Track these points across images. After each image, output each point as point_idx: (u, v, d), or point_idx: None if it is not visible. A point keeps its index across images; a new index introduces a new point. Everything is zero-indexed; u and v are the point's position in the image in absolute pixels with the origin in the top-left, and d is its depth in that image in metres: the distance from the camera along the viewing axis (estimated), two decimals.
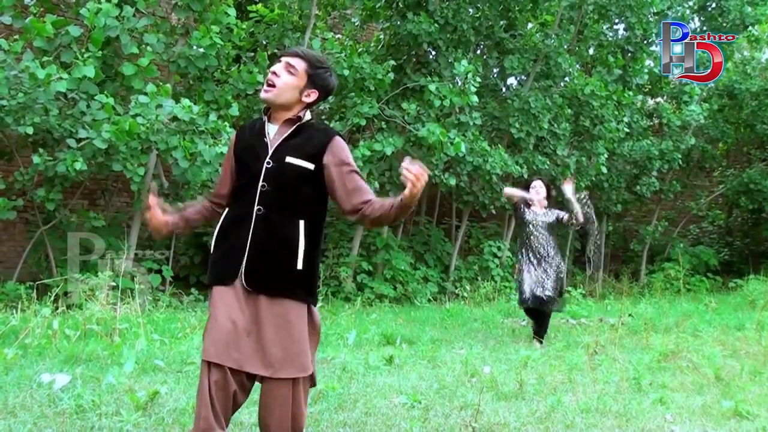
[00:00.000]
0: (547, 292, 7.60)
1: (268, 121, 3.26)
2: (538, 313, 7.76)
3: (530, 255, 7.79)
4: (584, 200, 8.07)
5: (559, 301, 7.94)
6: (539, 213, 7.81)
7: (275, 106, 3.22)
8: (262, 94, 3.18)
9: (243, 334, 3.05)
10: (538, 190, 7.84)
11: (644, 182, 15.01)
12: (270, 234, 3.13)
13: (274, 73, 3.17)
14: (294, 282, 3.14)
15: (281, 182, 3.14)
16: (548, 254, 7.71)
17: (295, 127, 3.21)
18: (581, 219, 7.71)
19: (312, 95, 3.22)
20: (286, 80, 3.17)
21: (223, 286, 3.12)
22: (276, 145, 3.18)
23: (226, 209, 3.26)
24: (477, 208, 13.00)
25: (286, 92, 3.17)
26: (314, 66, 3.21)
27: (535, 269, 7.69)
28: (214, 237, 3.23)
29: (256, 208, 3.12)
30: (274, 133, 3.21)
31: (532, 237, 7.77)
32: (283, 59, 3.20)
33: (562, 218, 7.74)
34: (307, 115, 3.28)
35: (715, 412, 4.75)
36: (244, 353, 3.04)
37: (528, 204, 7.86)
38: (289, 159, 3.15)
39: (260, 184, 3.13)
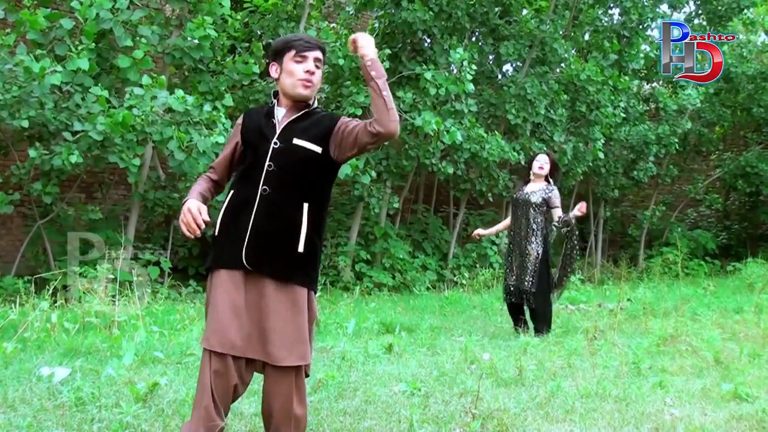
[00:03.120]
0: (524, 286, 7.14)
1: (278, 104, 3.29)
2: (520, 307, 7.37)
3: (512, 238, 7.38)
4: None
5: (554, 292, 7.45)
6: (530, 190, 7.32)
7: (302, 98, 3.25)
8: (304, 91, 3.19)
9: (244, 321, 3.05)
10: (542, 165, 7.33)
11: (641, 167, 15.01)
12: (273, 214, 3.13)
13: (311, 72, 3.18)
14: (294, 265, 3.15)
15: (287, 163, 3.16)
16: (528, 240, 7.20)
17: (303, 111, 3.25)
18: (569, 218, 7.17)
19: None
20: (318, 76, 3.23)
21: (224, 270, 3.10)
22: (283, 126, 3.20)
23: (231, 191, 3.22)
24: (474, 195, 13.02)
25: (317, 86, 3.25)
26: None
27: (513, 253, 7.32)
28: (219, 220, 3.20)
29: (261, 188, 3.12)
30: (282, 115, 3.24)
31: (516, 216, 7.34)
32: (312, 54, 3.19)
33: (551, 203, 7.20)
34: (315, 102, 3.33)
35: (715, 395, 4.76)
36: (246, 341, 3.03)
37: (527, 182, 7.43)
38: (296, 141, 3.18)
39: (266, 164, 3.14)
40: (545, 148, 12.38)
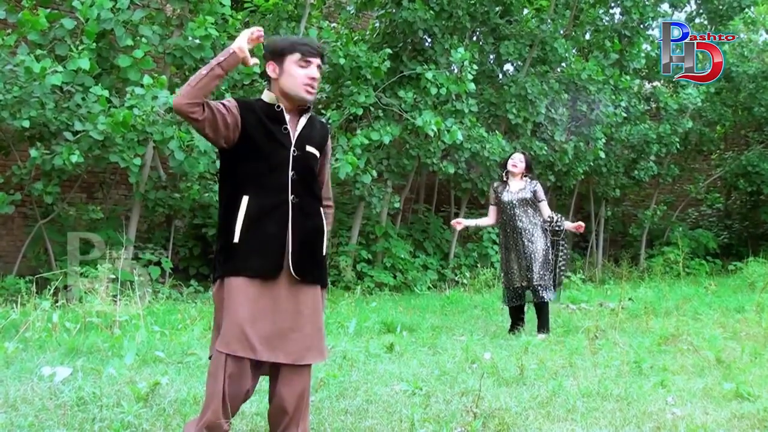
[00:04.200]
0: (536, 281, 7.09)
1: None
2: (521, 309, 7.35)
3: (512, 238, 7.26)
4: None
5: (556, 289, 7.39)
6: (515, 189, 7.28)
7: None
8: (308, 96, 3.19)
9: (265, 325, 3.03)
10: (515, 163, 7.32)
11: (642, 166, 14.99)
12: (305, 222, 3.17)
13: (315, 78, 3.19)
14: (322, 268, 3.27)
15: (305, 170, 3.21)
16: (533, 236, 7.14)
17: (308, 116, 3.28)
18: (561, 228, 7.23)
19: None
20: (319, 80, 3.24)
21: (242, 278, 3.04)
22: (297, 134, 3.22)
23: (248, 197, 3.09)
24: (475, 195, 13.01)
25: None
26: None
27: (519, 254, 7.19)
28: (240, 227, 3.07)
29: (290, 197, 3.13)
30: (288, 121, 3.22)
31: (513, 217, 7.23)
32: (316, 61, 3.19)
33: (538, 197, 7.22)
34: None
35: (716, 394, 4.74)
36: (264, 344, 3.01)
37: (505, 182, 7.39)
38: (308, 148, 3.23)
39: (290, 172, 3.14)
40: (546, 148, 12.40)
